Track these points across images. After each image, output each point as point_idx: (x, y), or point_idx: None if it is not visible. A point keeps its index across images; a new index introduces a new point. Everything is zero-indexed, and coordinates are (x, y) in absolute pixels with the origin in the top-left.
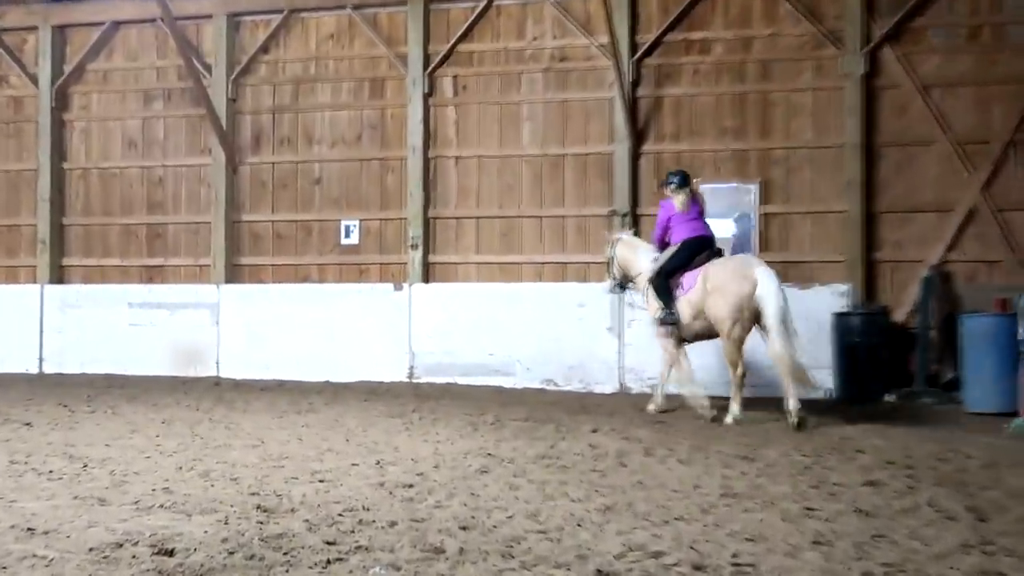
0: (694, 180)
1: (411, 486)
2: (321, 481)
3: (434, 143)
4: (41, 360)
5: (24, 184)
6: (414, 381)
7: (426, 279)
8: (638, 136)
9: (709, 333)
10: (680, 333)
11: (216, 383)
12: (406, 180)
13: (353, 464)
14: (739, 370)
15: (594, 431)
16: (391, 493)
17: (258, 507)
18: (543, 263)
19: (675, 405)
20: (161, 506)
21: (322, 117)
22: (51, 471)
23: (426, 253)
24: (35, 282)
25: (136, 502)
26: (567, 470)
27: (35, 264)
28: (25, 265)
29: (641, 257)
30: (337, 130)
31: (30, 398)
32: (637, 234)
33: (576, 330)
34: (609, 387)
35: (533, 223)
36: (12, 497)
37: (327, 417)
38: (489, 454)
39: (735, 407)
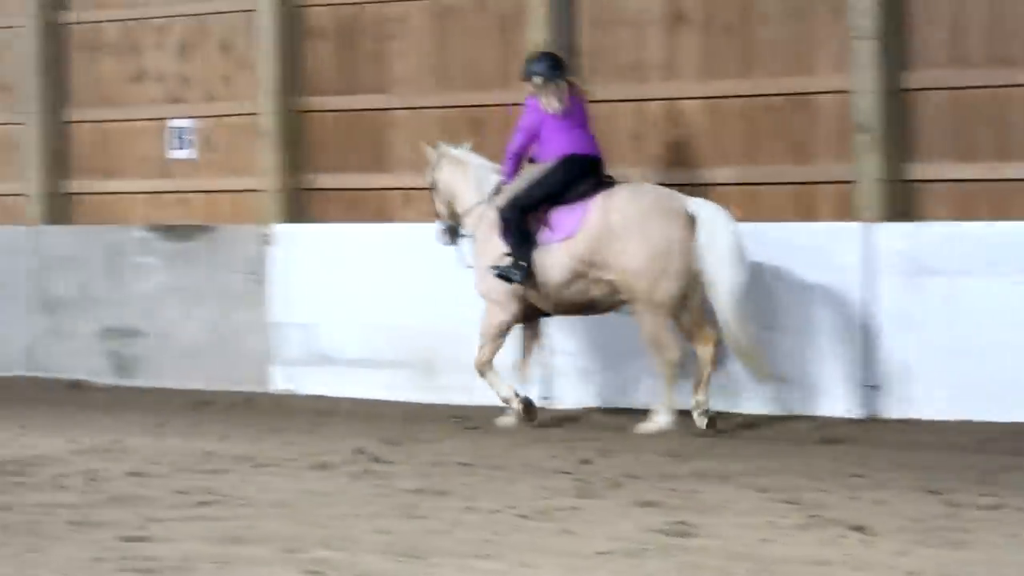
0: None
1: None
2: None
3: None
4: None
5: None
6: None
7: None
8: None
9: (588, 300)
10: (533, 300)
11: None
12: None
13: None
14: (669, 355)
15: None
16: None
17: None
18: None
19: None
20: None
21: None
22: None
23: None
24: None
25: None
26: None
27: None
28: None
29: (473, 179)
30: None
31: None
32: None
33: None
34: None
35: None
36: None
37: None
38: None
39: (662, 415)
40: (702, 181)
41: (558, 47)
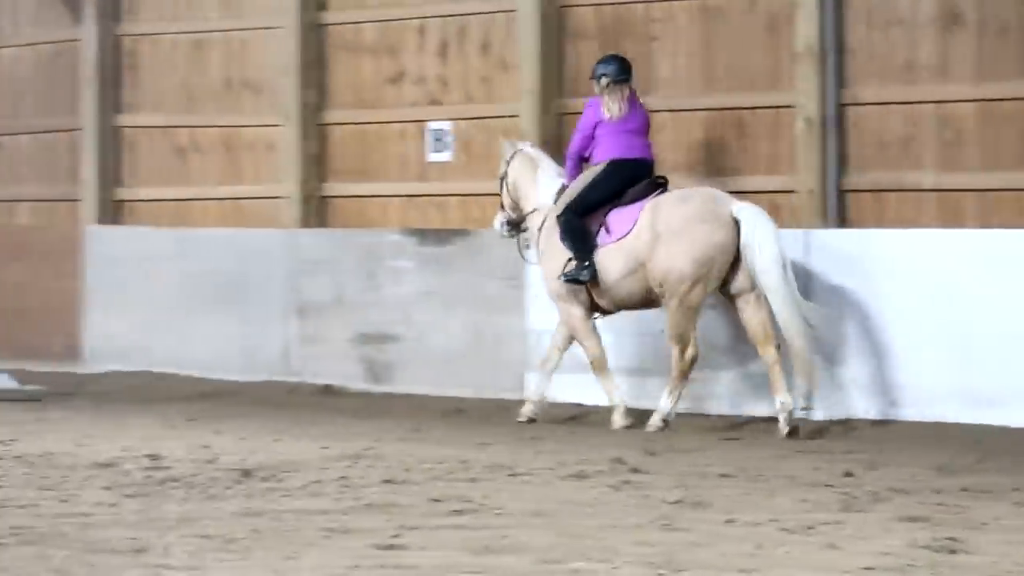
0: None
1: None
2: None
3: None
4: None
5: None
6: None
7: None
8: None
9: (642, 299)
10: (595, 298)
11: None
12: None
13: None
14: (690, 351)
15: None
16: None
17: None
18: None
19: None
20: None
21: None
22: None
23: None
24: None
25: None
26: None
27: None
28: None
29: (540, 182)
30: None
31: None
32: None
33: None
34: None
35: None
36: None
37: None
38: None
39: (668, 402)
40: (972, 187)
41: (827, 47)
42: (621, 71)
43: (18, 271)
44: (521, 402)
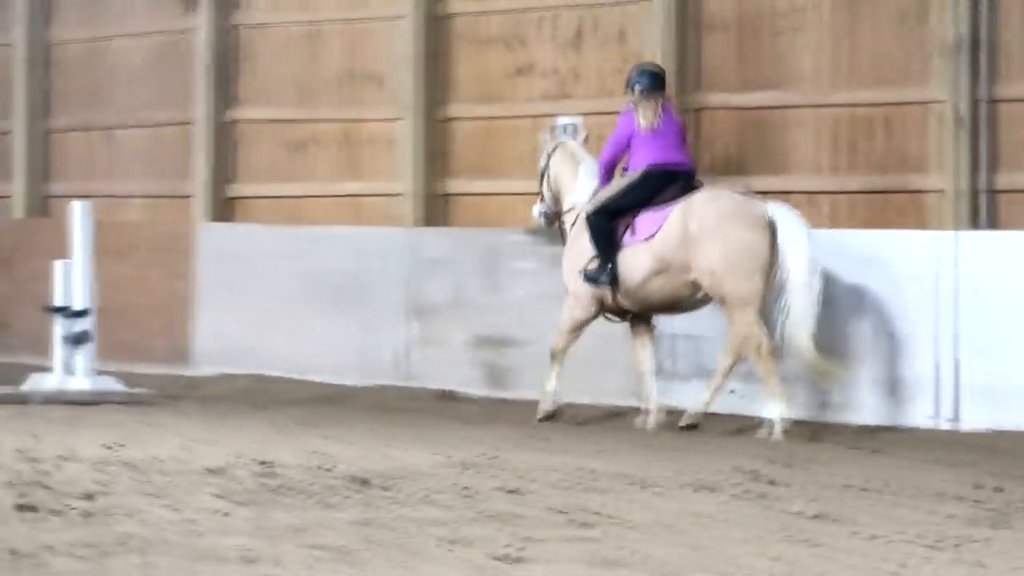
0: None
1: None
2: None
3: None
4: None
5: None
6: None
7: None
8: None
9: (667, 299)
10: (615, 300)
11: None
12: None
13: None
14: (764, 345)
15: None
16: None
17: None
18: None
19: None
20: None
21: None
22: None
23: None
24: None
25: None
26: None
27: None
28: None
29: (580, 179)
30: None
31: None
32: None
33: None
34: None
35: None
36: None
37: None
38: None
39: (776, 408)
40: None
41: (977, 41)
42: (654, 82)
43: (126, 269)
44: (639, 408)
